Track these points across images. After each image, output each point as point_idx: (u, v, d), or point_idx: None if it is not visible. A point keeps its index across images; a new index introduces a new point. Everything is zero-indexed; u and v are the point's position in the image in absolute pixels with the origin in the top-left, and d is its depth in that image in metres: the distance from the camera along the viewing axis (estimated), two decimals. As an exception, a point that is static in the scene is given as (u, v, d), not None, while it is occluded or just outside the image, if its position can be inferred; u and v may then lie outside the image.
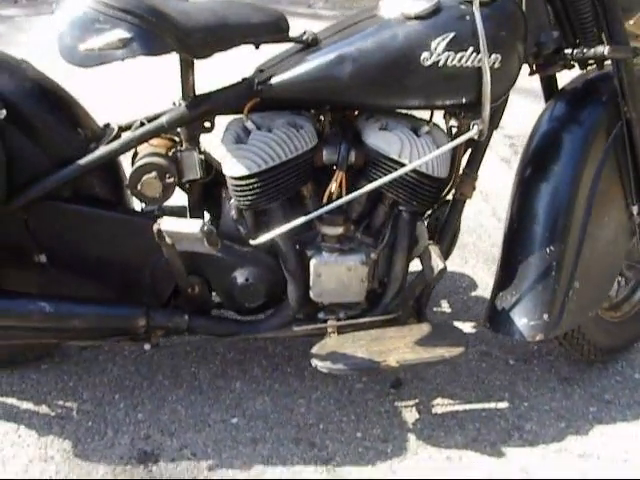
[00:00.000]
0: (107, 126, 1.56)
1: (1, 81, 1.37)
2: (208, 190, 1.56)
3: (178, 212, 1.60)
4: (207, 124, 1.48)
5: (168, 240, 1.32)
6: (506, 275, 1.58)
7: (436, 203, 1.53)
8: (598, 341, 1.77)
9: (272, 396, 1.70)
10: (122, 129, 1.55)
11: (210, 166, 1.53)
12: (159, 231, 1.31)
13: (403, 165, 1.40)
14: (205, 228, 1.27)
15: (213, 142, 1.51)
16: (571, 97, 1.65)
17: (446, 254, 1.60)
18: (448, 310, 2.03)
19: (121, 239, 1.50)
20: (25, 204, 1.44)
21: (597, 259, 1.61)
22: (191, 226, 1.28)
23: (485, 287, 2.13)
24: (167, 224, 1.30)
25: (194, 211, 1.57)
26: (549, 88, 1.71)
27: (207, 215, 1.65)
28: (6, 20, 4.67)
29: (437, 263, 1.44)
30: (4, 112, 1.31)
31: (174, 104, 1.47)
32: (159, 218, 1.40)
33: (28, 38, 4.09)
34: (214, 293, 1.60)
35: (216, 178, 1.53)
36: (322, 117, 1.48)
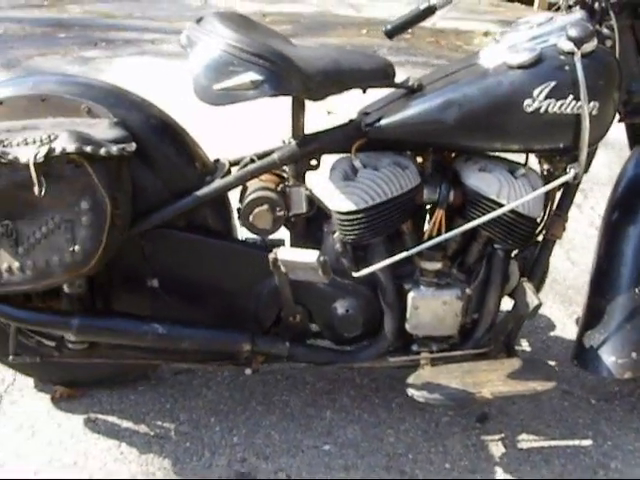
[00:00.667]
0: (217, 161, 1.67)
1: (131, 117, 1.49)
2: (309, 224, 1.65)
3: (277, 244, 1.69)
4: (313, 162, 1.58)
5: (283, 269, 1.41)
6: (594, 314, 1.62)
7: (529, 242, 1.59)
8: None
9: (362, 425, 1.76)
10: (232, 164, 1.66)
11: (312, 201, 1.63)
12: (275, 260, 1.40)
13: (501, 205, 1.47)
14: (321, 259, 1.36)
15: (317, 179, 1.61)
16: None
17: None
18: (528, 349, 2.07)
19: (230, 267, 1.60)
20: (143, 231, 1.55)
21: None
22: (308, 256, 1.36)
23: (562, 327, 2.17)
24: (284, 254, 1.40)
25: (295, 244, 1.66)
26: (634, 135, 1.77)
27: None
28: (88, 61, 4.94)
29: (532, 299, 1.50)
30: (134, 145, 1.42)
31: (284, 142, 1.58)
32: (268, 248, 1.50)
33: (107, 78, 4.29)
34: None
35: (316, 213, 1.62)
36: (422, 158, 1.56)
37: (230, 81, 1.33)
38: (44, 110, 1.48)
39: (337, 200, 1.49)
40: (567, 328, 2.17)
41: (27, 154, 1.33)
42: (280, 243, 1.69)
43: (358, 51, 1.55)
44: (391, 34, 1.66)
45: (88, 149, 1.33)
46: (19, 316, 1.55)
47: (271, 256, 1.41)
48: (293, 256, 1.39)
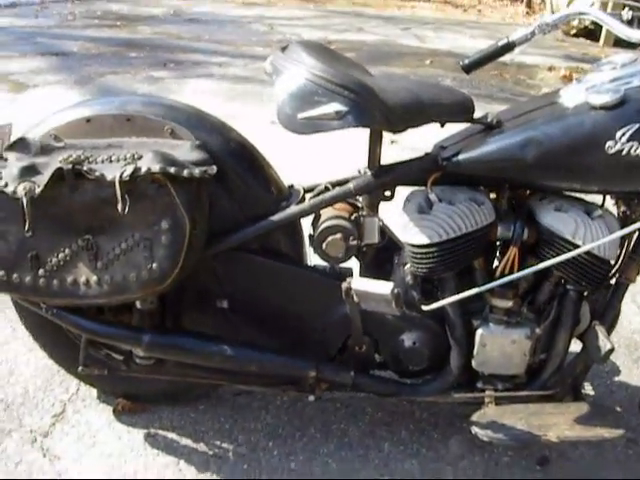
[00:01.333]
0: (292, 187, 1.70)
1: (212, 140, 1.53)
2: (379, 254, 1.66)
3: (346, 273, 1.71)
4: (387, 193, 1.59)
5: (355, 298, 1.41)
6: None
7: (602, 285, 1.56)
8: None
9: (420, 460, 1.74)
10: (306, 191, 1.68)
11: (384, 232, 1.64)
12: (348, 289, 1.41)
13: (577, 246, 1.45)
14: (395, 291, 1.36)
15: (389, 210, 1.62)
16: None
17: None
18: (591, 393, 2.02)
19: (300, 293, 1.61)
20: (217, 252, 1.57)
21: None
22: (382, 288, 1.37)
23: (628, 373, 2.12)
24: (358, 283, 1.40)
25: (364, 274, 1.67)
26: None
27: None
28: (157, 81, 5.08)
29: (604, 343, 1.47)
30: (215, 168, 1.46)
31: (359, 172, 1.60)
32: (338, 276, 1.51)
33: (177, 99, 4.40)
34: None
35: (387, 244, 1.63)
36: (497, 194, 1.56)
37: (314, 111, 1.35)
38: (129, 129, 1.53)
39: (411, 232, 1.49)
40: (632, 374, 2.12)
41: (113, 172, 1.38)
42: (349, 272, 1.70)
43: (438, 84, 1.56)
44: (468, 69, 1.67)
45: (172, 170, 1.37)
46: (91, 328, 1.59)
47: (344, 285, 1.42)
48: (366, 286, 1.39)
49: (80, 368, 1.68)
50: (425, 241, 1.47)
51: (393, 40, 7.28)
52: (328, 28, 7.62)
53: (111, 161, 1.44)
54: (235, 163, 1.56)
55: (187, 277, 1.54)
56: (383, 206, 1.62)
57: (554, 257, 1.47)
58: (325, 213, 1.60)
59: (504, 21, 9.53)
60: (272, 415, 1.88)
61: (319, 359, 1.62)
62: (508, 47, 1.62)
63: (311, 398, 1.65)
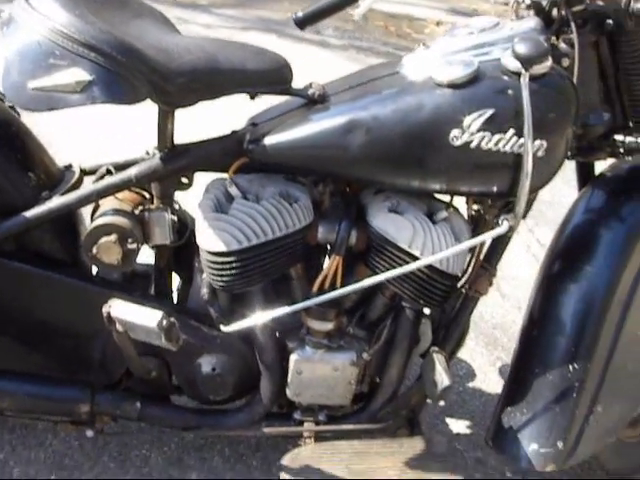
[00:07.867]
0: (68, 168, 1.33)
1: None
2: (179, 251, 1.32)
3: (142, 274, 1.37)
4: (184, 180, 1.25)
5: (119, 327, 1.07)
6: (517, 388, 1.33)
7: (445, 301, 1.29)
8: (608, 462, 1.55)
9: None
10: (85, 173, 1.32)
11: (184, 225, 1.30)
12: (109, 315, 1.07)
13: (414, 258, 1.16)
14: (164, 323, 1.03)
15: (191, 200, 1.28)
16: (612, 186, 1.40)
17: (450, 356, 1.36)
18: (441, 403, 1.78)
19: (71, 307, 1.26)
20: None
21: (626, 378, 1.37)
22: (147, 318, 1.03)
23: (484, 378, 1.89)
24: (119, 310, 1.06)
25: (160, 274, 1.33)
26: (584, 173, 1.48)
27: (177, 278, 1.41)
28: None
29: (441, 378, 1.20)
30: None
31: (147, 153, 1.24)
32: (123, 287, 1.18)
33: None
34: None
35: (191, 239, 1.28)
36: (321, 187, 1.24)
37: (49, 79, 0.98)
38: None
39: (204, 235, 1.15)
40: (488, 378, 1.89)
41: None
42: (147, 272, 1.37)
43: (248, 46, 1.20)
44: (302, 23, 1.33)
45: None
46: None
47: (105, 309, 1.08)
48: (129, 315, 1.05)
49: None
50: (220, 248, 1.13)
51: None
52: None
53: None
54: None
55: None
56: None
57: (386, 269, 1.18)
58: (105, 205, 1.24)
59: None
60: (60, 440, 1.53)
61: (96, 388, 1.28)
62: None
63: (89, 434, 1.32)
